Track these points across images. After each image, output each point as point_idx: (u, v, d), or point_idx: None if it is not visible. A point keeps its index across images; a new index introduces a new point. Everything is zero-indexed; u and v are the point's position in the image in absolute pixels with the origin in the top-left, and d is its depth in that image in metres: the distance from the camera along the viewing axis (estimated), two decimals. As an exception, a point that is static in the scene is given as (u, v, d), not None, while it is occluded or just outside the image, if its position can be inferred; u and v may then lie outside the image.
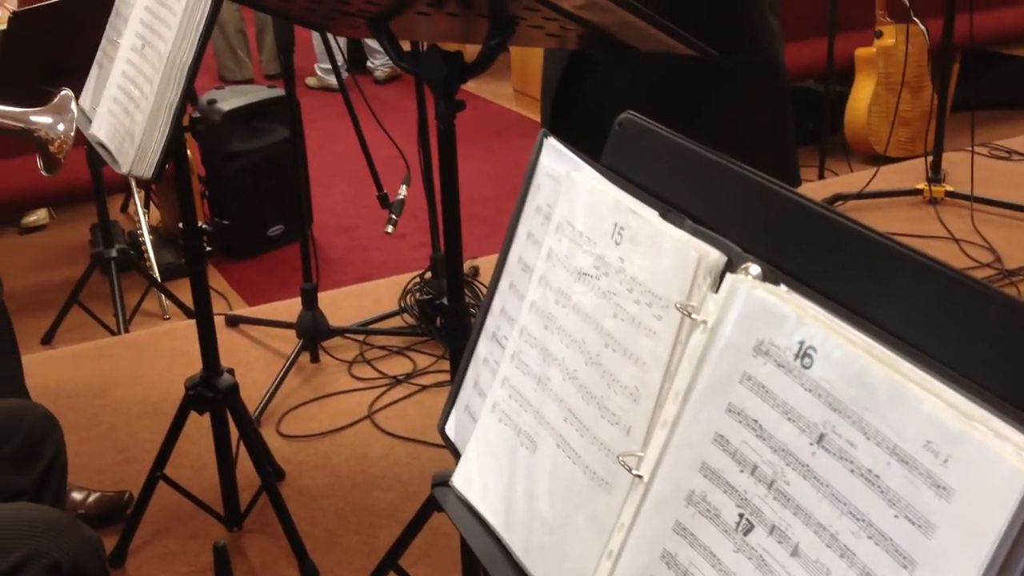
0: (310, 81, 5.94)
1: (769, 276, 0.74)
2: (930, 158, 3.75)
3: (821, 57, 4.12)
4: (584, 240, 0.93)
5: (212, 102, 3.85)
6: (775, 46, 1.89)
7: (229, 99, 3.90)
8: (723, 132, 1.82)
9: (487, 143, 5.06)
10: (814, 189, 3.91)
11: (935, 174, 3.75)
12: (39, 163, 1.74)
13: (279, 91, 3.93)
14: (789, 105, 1.95)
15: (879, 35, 4.35)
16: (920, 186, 3.73)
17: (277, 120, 3.92)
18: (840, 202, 3.72)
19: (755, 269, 0.75)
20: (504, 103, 5.72)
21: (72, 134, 1.71)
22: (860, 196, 3.71)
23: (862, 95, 4.44)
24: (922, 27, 4.18)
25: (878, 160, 4.09)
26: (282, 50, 2.70)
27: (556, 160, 1.02)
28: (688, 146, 0.87)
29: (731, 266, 0.77)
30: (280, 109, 3.82)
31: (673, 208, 0.86)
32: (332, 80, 5.14)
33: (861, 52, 4.43)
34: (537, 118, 5.43)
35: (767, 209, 0.78)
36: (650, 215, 0.86)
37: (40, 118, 1.71)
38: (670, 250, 0.82)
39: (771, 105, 1.91)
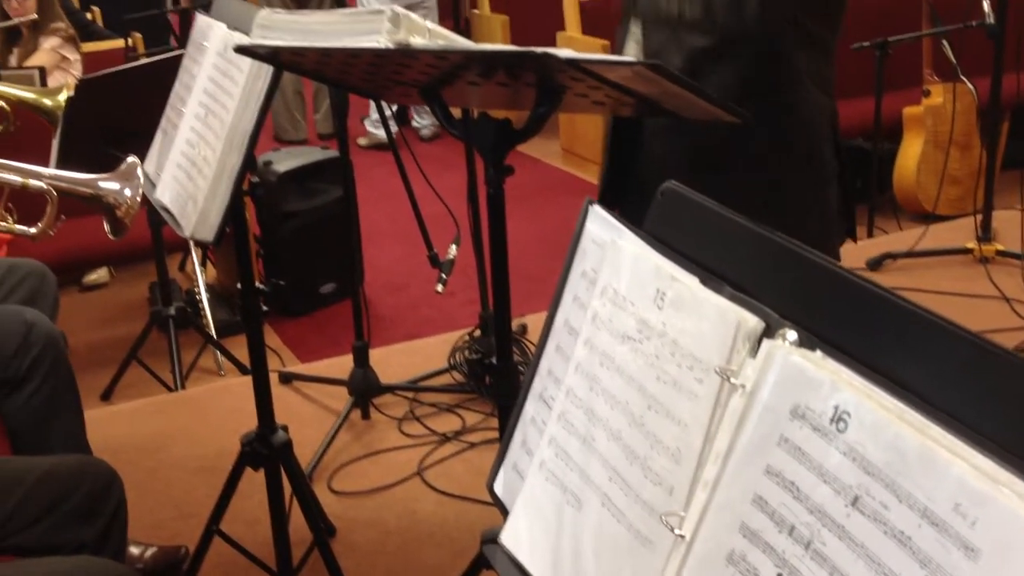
0: (361, 141, 6.06)
1: (805, 342, 0.77)
2: (980, 217, 3.75)
3: (870, 115, 4.14)
4: (628, 304, 0.96)
5: (268, 163, 3.95)
6: (818, 119, 1.91)
7: (285, 160, 4.01)
8: (766, 203, 1.85)
9: (535, 201, 5.13)
10: (864, 247, 3.91)
11: (985, 233, 3.73)
12: (106, 226, 1.82)
13: (333, 152, 4.03)
14: (831, 176, 1.96)
15: (927, 94, 4.37)
16: (970, 245, 3.72)
17: (331, 180, 4.02)
18: (890, 260, 3.72)
19: (792, 335, 0.78)
20: (552, 162, 5.80)
21: (138, 199, 1.78)
22: (910, 255, 3.70)
23: (911, 153, 4.45)
24: (970, 86, 4.20)
25: (928, 218, 4.09)
26: (337, 114, 2.79)
27: (601, 227, 1.06)
28: (727, 215, 0.91)
29: (769, 331, 0.80)
30: (334, 170, 3.92)
31: (713, 275, 0.89)
32: (381, 134, 5.22)
33: (909, 111, 4.45)
34: (585, 177, 5.49)
35: (803, 276, 0.82)
36: (691, 281, 0.89)
37: (108, 184, 1.79)
38: (710, 315, 0.85)
39: (820, 164, 1.93)
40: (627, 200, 2.05)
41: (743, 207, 1.59)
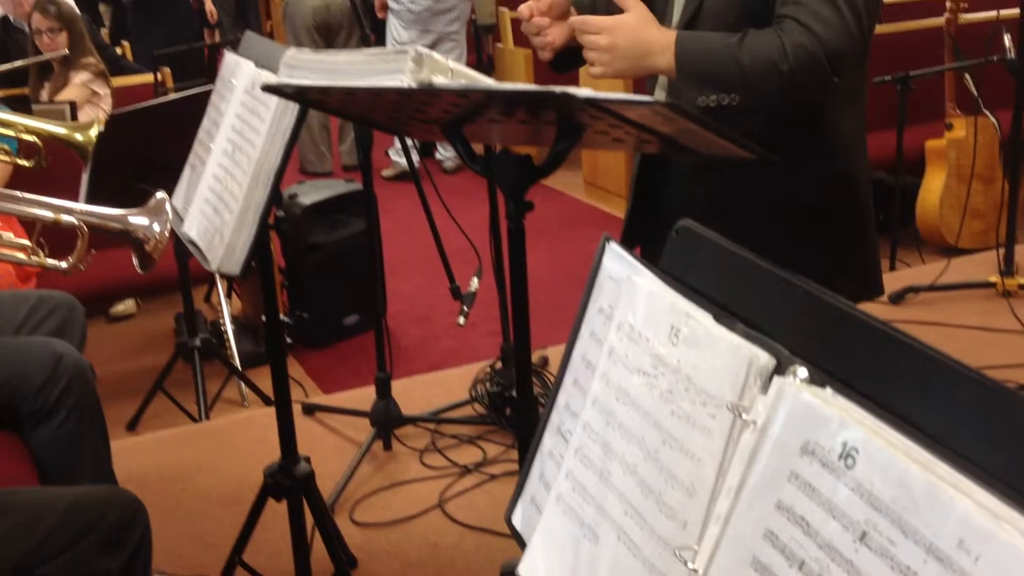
0: (386, 172, 6.12)
1: (815, 378, 0.79)
2: (1002, 250, 3.74)
3: (892, 149, 4.15)
4: (643, 340, 0.98)
5: (294, 196, 4.00)
6: (851, 157, 1.91)
7: (310, 193, 4.06)
8: (798, 241, 1.86)
9: (558, 233, 5.15)
10: (886, 280, 3.88)
11: (1008, 267, 3.73)
12: (135, 260, 1.85)
13: (357, 185, 4.08)
14: (869, 217, 1.96)
15: (949, 127, 4.38)
16: (992, 279, 3.71)
17: (355, 213, 4.06)
18: (912, 294, 3.71)
19: (802, 372, 0.80)
20: (575, 194, 5.83)
21: (167, 234, 1.82)
22: (932, 288, 3.70)
23: (933, 187, 4.45)
24: (992, 119, 4.20)
25: (950, 252, 4.08)
26: (361, 148, 2.83)
27: (617, 264, 1.08)
28: (740, 254, 0.93)
29: (780, 368, 0.82)
30: (358, 202, 3.97)
31: (726, 312, 0.91)
32: (404, 162, 5.27)
33: (932, 144, 4.45)
34: (607, 209, 5.52)
35: (814, 315, 0.83)
36: (704, 318, 0.91)
37: (137, 219, 1.83)
38: (723, 352, 0.87)
39: (849, 217, 1.93)
40: (651, 239, 2.07)
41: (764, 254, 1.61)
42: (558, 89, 1.30)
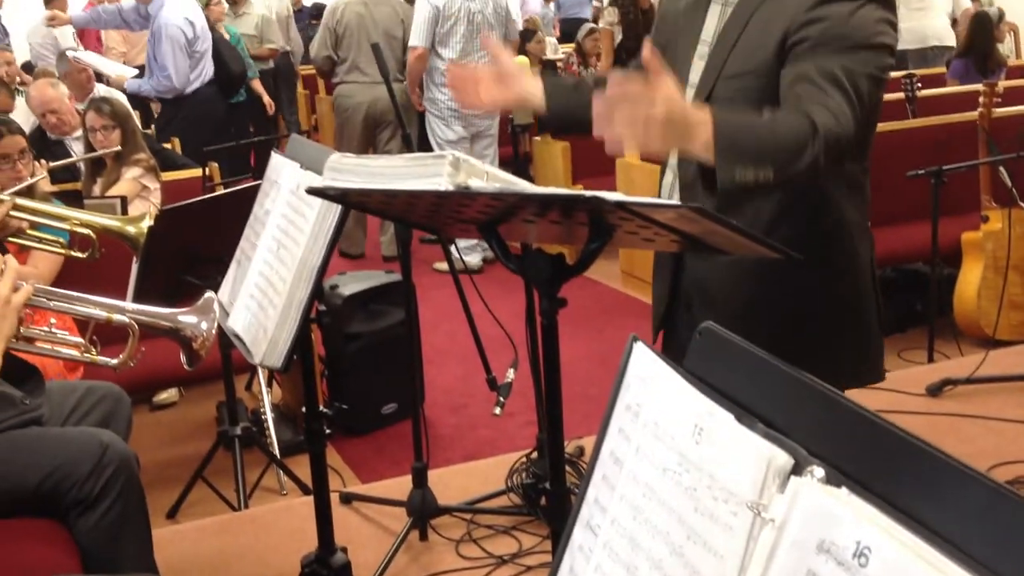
0: (438, 266, 6.17)
1: (832, 479, 0.82)
2: (1042, 342, 3.73)
3: (929, 240, 4.17)
4: (668, 438, 1.01)
5: (335, 287, 4.09)
6: (853, 245, 2.01)
7: (350, 284, 4.15)
8: (802, 322, 1.93)
9: (595, 322, 5.19)
10: (923, 372, 3.89)
11: (1047, 359, 3.71)
12: (182, 357, 1.92)
13: (396, 276, 4.15)
14: (869, 303, 2.03)
15: (985, 219, 4.40)
16: (1032, 371, 3.69)
17: (394, 303, 4.14)
18: (950, 387, 3.70)
19: (819, 472, 0.83)
20: (612, 284, 5.88)
21: (214, 332, 1.89)
22: (970, 381, 3.68)
23: (971, 278, 4.45)
24: (1028, 212, 4.23)
25: (988, 343, 4.07)
26: (401, 243, 2.90)
27: (644, 363, 1.12)
28: (760, 356, 0.96)
29: (798, 468, 0.85)
30: (397, 293, 4.04)
31: (747, 412, 0.95)
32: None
33: (968, 236, 4.47)
34: (643, 299, 5.56)
35: (831, 416, 0.87)
36: (726, 418, 0.95)
37: (186, 318, 1.90)
38: (743, 451, 0.90)
39: (850, 302, 2.00)
40: (678, 322, 2.15)
41: (778, 325, 1.66)
42: (588, 193, 1.36)
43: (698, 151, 1.67)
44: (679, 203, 1.32)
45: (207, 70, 6.05)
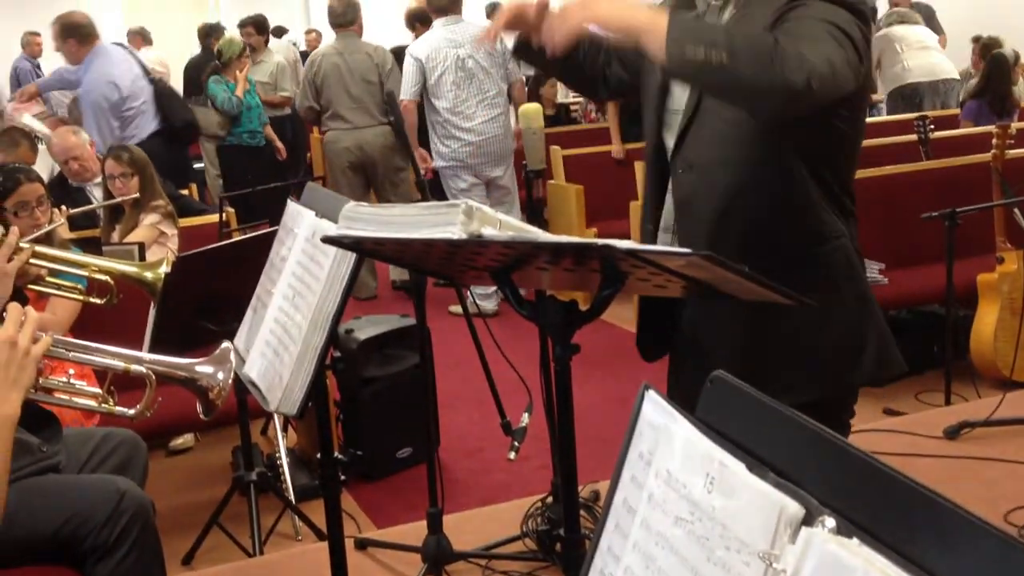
0: (453, 309, 6.20)
1: (843, 529, 0.82)
2: (1060, 384, 3.70)
3: (944, 281, 4.17)
4: (681, 487, 1.02)
5: (350, 331, 4.10)
6: (844, 226, 2.06)
7: (365, 328, 4.16)
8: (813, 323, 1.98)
9: (609, 365, 5.19)
10: (941, 415, 3.87)
11: (1066, 400, 3.68)
12: (198, 406, 1.93)
13: (411, 320, 4.17)
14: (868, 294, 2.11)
15: (1001, 261, 4.39)
16: (1050, 413, 3.66)
17: (409, 347, 4.15)
18: (968, 429, 3.67)
19: (830, 522, 0.83)
20: (626, 326, 5.87)
21: (230, 382, 1.90)
22: (988, 423, 3.65)
23: (987, 320, 4.44)
24: (1043, 253, 4.22)
25: (1006, 385, 4.05)
26: (416, 290, 2.92)
27: (656, 411, 1.12)
28: (771, 405, 0.97)
29: (809, 518, 0.85)
30: (412, 337, 4.05)
31: (759, 461, 0.95)
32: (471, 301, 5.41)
33: (983, 278, 4.46)
34: (660, 342, 5.55)
35: (842, 466, 0.87)
36: (738, 467, 0.95)
37: (203, 368, 1.92)
38: (755, 501, 0.90)
39: (853, 292, 2.07)
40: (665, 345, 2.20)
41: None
42: (600, 241, 1.38)
43: (643, 28, 1.71)
44: (690, 251, 1.33)
45: (145, 125, 5.96)
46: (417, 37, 6.62)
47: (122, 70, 5.93)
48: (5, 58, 10.74)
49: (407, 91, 6.07)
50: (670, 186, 2.12)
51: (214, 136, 7.43)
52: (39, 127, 6.38)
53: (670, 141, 2.09)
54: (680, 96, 2.06)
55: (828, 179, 1.99)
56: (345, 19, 6.51)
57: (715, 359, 1.92)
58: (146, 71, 6.18)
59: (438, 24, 6.09)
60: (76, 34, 5.83)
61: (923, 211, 4.08)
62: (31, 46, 10.96)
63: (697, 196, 2.03)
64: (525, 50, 2.08)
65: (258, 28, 8.50)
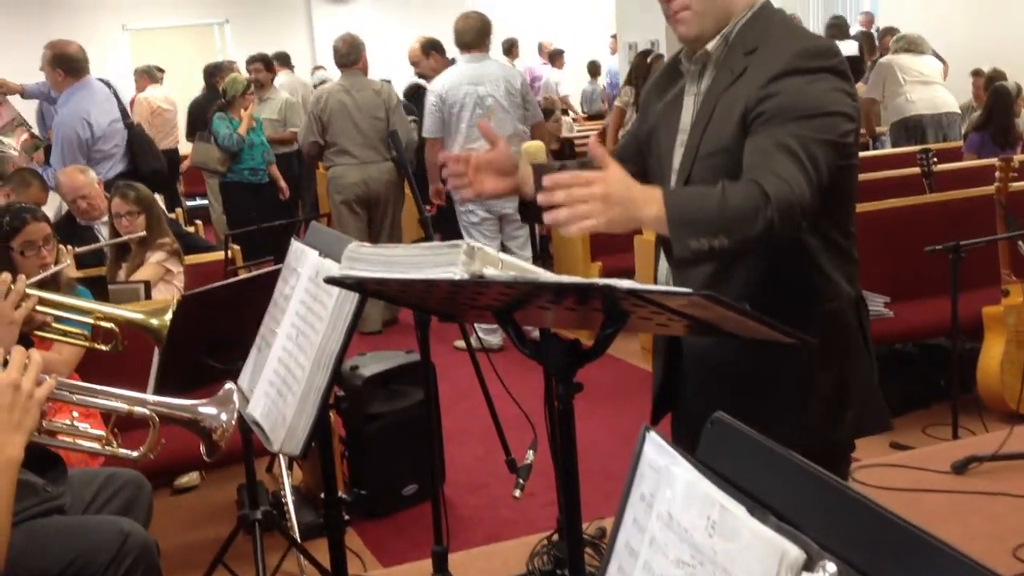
0: (458, 343, 6.20)
1: (844, 573, 0.82)
2: (1067, 417, 3.68)
3: (949, 315, 4.16)
4: (682, 530, 1.02)
5: (355, 368, 4.10)
6: (842, 308, 2.06)
7: (370, 365, 4.16)
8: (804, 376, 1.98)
9: (615, 400, 5.17)
10: (948, 449, 3.84)
11: (1074, 433, 3.66)
12: (202, 448, 1.93)
13: (415, 356, 4.17)
14: (865, 364, 2.10)
15: (1006, 293, 4.39)
16: (1059, 446, 3.64)
17: (414, 382, 4.15)
18: (976, 463, 3.65)
19: (831, 567, 0.83)
20: (631, 360, 5.87)
21: (233, 423, 1.90)
22: (996, 458, 3.63)
23: (993, 352, 4.42)
24: (1048, 285, 4.21)
25: (1013, 418, 4.02)
26: (419, 326, 2.93)
27: (657, 452, 1.12)
28: (771, 447, 0.97)
29: (810, 563, 0.85)
30: (417, 372, 4.05)
31: (759, 503, 0.95)
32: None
33: (989, 310, 4.46)
34: (665, 376, 5.54)
35: (843, 509, 0.87)
36: (739, 510, 0.95)
37: (206, 409, 1.92)
38: (756, 545, 0.90)
39: (848, 355, 2.07)
40: (678, 405, 2.18)
41: (762, 379, 1.67)
42: (601, 281, 1.38)
43: (650, 226, 1.78)
44: (691, 291, 1.34)
45: (112, 168, 5.91)
46: (430, 64, 6.80)
47: (101, 110, 5.92)
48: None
49: (429, 128, 6.16)
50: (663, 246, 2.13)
51: (215, 172, 7.50)
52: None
53: None
54: (676, 156, 2.08)
55: (825, 228, 2.00)
56: (349, 59, 6.64)
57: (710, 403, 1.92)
58: (126, 114, 6.18)
59: (461, 60, 6.18)
60: (65, 65, 5.83)
61: (927, 244, 4.08)
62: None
63: (686, 272, 2.05)
64: (529, 212, 2.12)
65: (266, 65, 8.57)
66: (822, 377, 2.03)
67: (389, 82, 7.30)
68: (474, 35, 6.08)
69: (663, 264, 2.17)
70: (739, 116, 1.91)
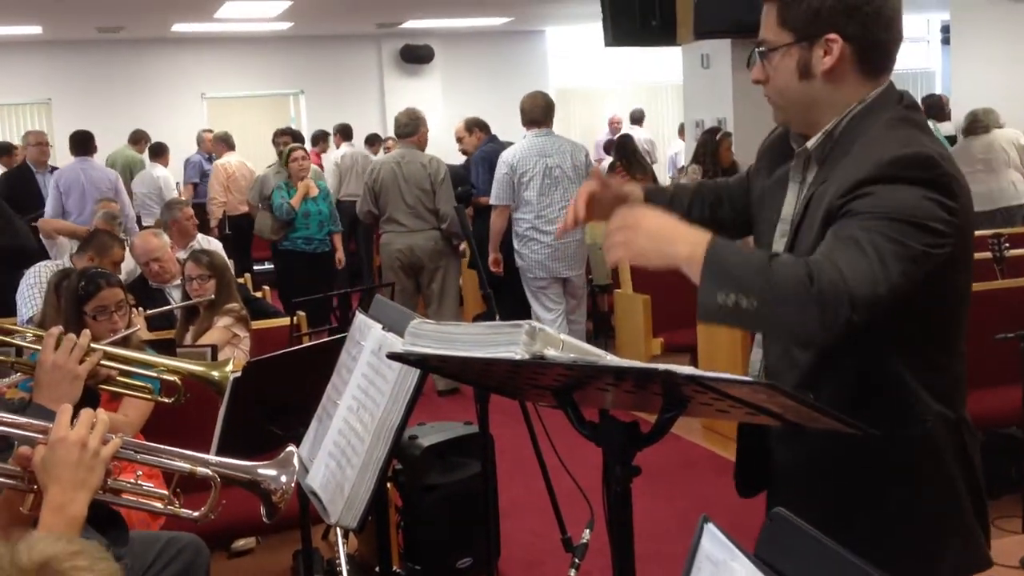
0: None
1: None
2: None
3: (1020, 403, 4.06)
4: (738, 627, 1.00)
5: (414, 437, 4.11)
6: (934, 431, 1.92)
7: (429, 435, 4.17)
8: (896, 511, 1.86)
9: (674, 477, 5.10)
10: (1018, 543, 3.73)
11: None
12: (261, 509, 1.95)
13: (474, 428, 4.17)
14: (955, 484, 1.94)
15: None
16: None
17: (471, 454, 4.14)
18: (1047, 559, 3.53)
19: (890, 674, 0.81)
20: (693, 439, 5.80)
21: (292, 486, 1.92)
22: (1069, 554, 3.51)
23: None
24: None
25: (1089, 514, 3.89)
26: (479, 401, 2.94)
27: (715, 545, 1.12)
28: (831, 547, 0.96)
29: (868, 668, 0.83)
30: (475, 444, 4.04)
31: (818, 605, 0.93)
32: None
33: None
34: (725, 454, 5.46)
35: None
36: (796, 610, 0.94)
37: (267, 471, 1.94)
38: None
39: (937, 485, 1.92)
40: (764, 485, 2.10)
41: (852, 514, 1.63)
42: (661, 367, 1.38)
43: (680, 264, 1.74)
44: (751, 379, 1.33)
45: None
46: (471, 141, 7.59)
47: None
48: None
49: (498, 196, 6.48)
50: (759, 340, 2.06)
51: (268, 240, 7.73)
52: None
53: None
54: (777, 246, 1.99)
55: (920, 346, 1.89)
56: (407, 130, 6.97)
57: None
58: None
59: (530, 135, 6.52)
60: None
61: (998, 331, 4.00)
62: (205, 143, 11.56)
63: (777, 375, 1.96)
64: None
65: (294, 137, 8.98)
66: (912, 518, 1.90)
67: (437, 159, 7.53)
68: (541, 112, 6.47)
69: (756, 357, 2.07)
70: (824, 212, 1.81)
